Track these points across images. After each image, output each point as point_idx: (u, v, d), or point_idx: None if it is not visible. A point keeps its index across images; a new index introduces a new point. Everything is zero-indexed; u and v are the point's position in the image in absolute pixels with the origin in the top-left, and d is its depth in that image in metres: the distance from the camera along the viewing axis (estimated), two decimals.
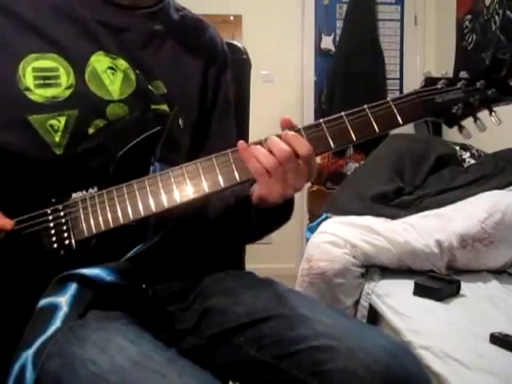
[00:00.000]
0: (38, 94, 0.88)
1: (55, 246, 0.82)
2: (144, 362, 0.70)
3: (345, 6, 3.60)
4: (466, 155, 2.49)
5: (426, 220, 1.99)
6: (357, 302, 1.93)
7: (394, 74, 3.70)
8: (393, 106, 0.82)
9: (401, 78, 3.72)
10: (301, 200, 3.03)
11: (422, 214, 2.03)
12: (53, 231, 0.82)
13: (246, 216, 0.89)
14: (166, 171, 0.83)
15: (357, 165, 2.99)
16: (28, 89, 0.87)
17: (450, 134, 2.98)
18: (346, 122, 0.81)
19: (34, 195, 0.84)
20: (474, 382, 1.23)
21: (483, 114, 0.84)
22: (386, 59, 3.62)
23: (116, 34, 0.95)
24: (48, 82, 0.88)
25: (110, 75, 0.92)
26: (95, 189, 0.84)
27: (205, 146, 1.03)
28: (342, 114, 0.82)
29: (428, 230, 1.92)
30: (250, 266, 1.20)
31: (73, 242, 0.81)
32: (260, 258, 2.26)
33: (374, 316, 1.85)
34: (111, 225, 0.81)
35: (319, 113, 3.60)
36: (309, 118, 3.52)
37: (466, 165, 2.43)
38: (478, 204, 1.95)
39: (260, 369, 0.82)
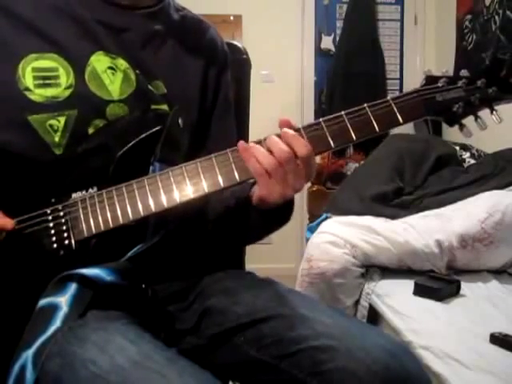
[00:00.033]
0: (38, 94, 0.87)
1: (55, 246, 0.81)
2: (144, 361, 0.70)
3: (345, 6, 3.60)
4: (466, 155, 2.49)
5: (425, 220, 1.99)
6: (357, 302, 1.93)
7: (393, 73, 3.70)
8: (393, 105, 0.82)
9: (401, 78, 3.72)
10: (301, 200, 3.03)
11: (422, 214, 2.03)
12: (52, 231, 0.82)
13: (247, 217, 0.89)
14: (165, 171, 0.83)
15: (357, 165, 2.99)
16: (28, 89, 0.87)
17: (450, 134, 2.98)
18: (346, 121, 0.81)
19: (34, 195, 0.84)
20: (473, 382, 1.23)
21: (484, 113, 0.84)
22: (386, 59, 3.62)
23: (116, 34, 0.95)
24: (48, 81, 0.88)
25: (109, 75, 0.92)
26: (95, 189, 0.84)
27: (205, 146, 1.02)
28: (342, 113, 0.82)
29: (428, 230, 1.92)
30: (250, 265, 1.20)
31: (72, 242, 0.81)
32: (260, 258, 2.26)
33: (374, 316, 1.85)
34: (111, 225, 0.81)
35: (319, 113, 3.60)
36: (309, 118, 3.52)
37: (466, 165, 2.43)
38: (477, 204, 1.95)
39: (260, 369, 0.82)
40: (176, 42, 1.01)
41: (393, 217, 2.07)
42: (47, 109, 0.87)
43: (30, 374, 0.71)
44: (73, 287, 0.78)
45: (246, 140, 0.83)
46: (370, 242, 1.93)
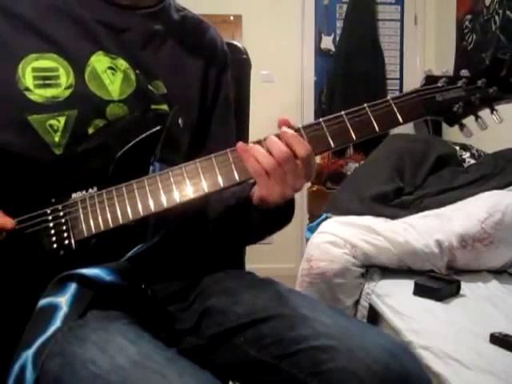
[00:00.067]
0: (38, 94, 0.87)
1: (55, 246, 0.81)
2: (144, 361, 0.70)
3: (345, 6, 3.60)
4: (466, 155, 2.49)
5: (426, 220, 1.99)
6: (357, 302, 1.93)
7: (393, 73, 3.70)
8: (393, 105, 0.82)
9: (401, 78, 3.72)
10: (301, 200, 3.03)
11: (422, 214, 2.03)
12: (52, 231, 0.82)
13: (247, 217, 0.89)
14: (165, 171, 0.83)
15: (357, 165, 2.99)
16: (28, 89, 0.87)
17: (450, 134, 2.98)
18: (346, 121, 0.81)
19: (34, 195, 0.84)
20: (474, 382, 1.23)
21: (484, 113, 0.84)
22: (386, 59, 3.62)
23: (116, 34, 0.95)
24: (48, 82, 0.88)
25: (109, 75, 0.92)
26: (95, 189, 0.84)
27: (205, 146, 1.02)
28: (342, 113, 0.82)
29: (428, 229, 1.92)
30: (250, 265, 1.20)
31: (72, 242, 0.81)
32: (260, 257, 2.26)
33: (374, 316, 1.85)
34: (111, 225, 0.81)
35: (319, 113, 3.60)
36: (309, 118, 3.52)
37: (466, 165, 2.43)
38: (478, 204, 1.95)
39: (260, 369, 0.82)
40: (176, 42, 1.01)
41: (393, 217, 2.07)
42: (47, 109, 0.87)
43: (30, 374, 0.71)
44: (73, 287, 0.78)
45: (246, 140, 0.83)
46: (370, 241, 1.93)
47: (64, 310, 0.76)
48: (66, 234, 0.82)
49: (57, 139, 0.87)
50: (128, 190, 0.82)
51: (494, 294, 1.72)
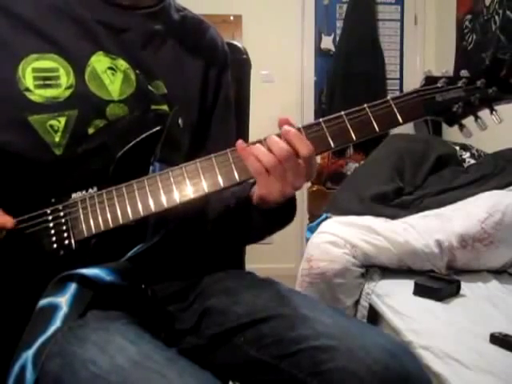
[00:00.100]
0: (38, 95, 0.87)
1: (55, 246, 0.81)
2: (144, 362, 0.70)
3: (345, 6, 3.59)
4: (466, 155, 2.49)
5: (425, 220, 1.99)
6: (357, 302, 1.93)
7: (394, 73, 3.70)
8: (393, 105, 0.82)
9: (401, 78, 3.72)
10: (301, 200, 3.03)
11: (422, 214, 2.03)
12: (52, 231, 0.82)
13: (247, 217, 0.89)
14: (165, 171, 0.83)
15: (357, 165, 2.99)
16: (28, 89, 0.87)
17: (450, 134, 2.98)
18: (346, 122, 0.81)
19: (34, 195, 0.84)
20: (474, 382, 1.23)
21: (484, 113, 0.84)
22: (386, 59, 3.62)
23: (116, 34, 0.95)
24: (48, 82, 0.88)
25: (109, 75, 0.92)
26: (95, 189, 0.84)
27: (205, 146, 1.02)
28: (342, 113, 0.82)
29: (428, 229, 1.92)
30: (250, 265, 1.20)
31: (72, 242, 0.81)
32: (260, 257, 2.26)
33: (374, 316, 1.85)
34: (111, 225, 0.81)
35: (319, 113, 3.60)
36: (309, 118, 3.52)
37: (466, 165, 2.43)
38: (478, 204, 1.95)
39: (260, 369, 0.82)
40: (176, 42, 1.01)
41: (393, 217, 2.07)
42: (47, 109, 0.87)
43: (30, 374, 0.72)
44: (73, 287, 0.78)
45: (246, 140, 0.83)
46: (370, 241, 1.93)
47: (64, 310, 0.76)
48: (66, 234, 0.82)
49: (57, 139, 0.87)
50: (128, 190, 0.82)
51: (493, 294, 1.72)
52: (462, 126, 0.85)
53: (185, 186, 0.81)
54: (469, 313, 1.57)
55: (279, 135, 0.80)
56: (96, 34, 0.93)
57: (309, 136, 0.81)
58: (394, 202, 2.19)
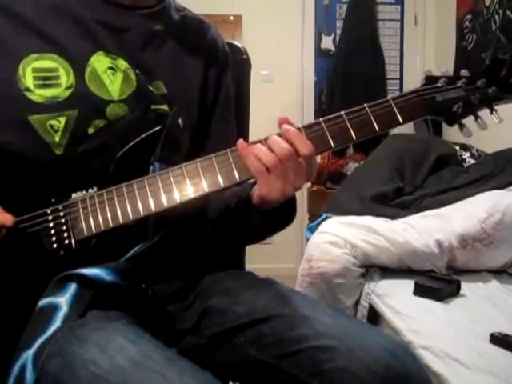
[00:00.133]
0: (38, 95, 0.87)
1: (55, 245, 0.81)
2: (144, 361, 0.70)
3: (345, 6, 3.60)
4: (466, 155, 2.49)
5: (425, 220, 1.99)
6: (357, 302, 1.93)
7: (394, 73, 3.70)
8: (393, 105, 0.82)
9: (401, 78, 3.72)
10: (301, 200, 3.03)
11: (422, 214, 2.03)
12: (52, 231, 0.82)
13: (248, 217, 0.89)
14: (165, 171, 0.83)
15: (357, 165, 2.99)
16: (28, 89, 0.87)
17: (450, 134, 2.98)
18: (346, 121, 0.81)
19: (34, 195, 0.84)
20: (473, 382, 1.23)
21: (484, 113, 0.84)
22: (386, 59, 3.63)
23: (116, 34, 0.95)
24: (48, 82, 0.88)
25: (110, 75, 0.92)
26: (95, 189, 0.84)
27: (205, 146, 1.02)
28: (342, 112, 0.82)
29: (428, 229, 1.92)
30: (250, 265, 1.20)
31: (72, 241, 0.81)
32: (260, 257, 2.26)
33: (374, 316, 1.85)
34: (111, 224, 0.81)
35: (319, 113, 3.60)
36: (309, 118, 3.51)
37: (466, 165, 2.43)
38: (478, 204, 1.95)
39: (260, 369, 0.82)
40: (176, 42, 1.01)
41: (393, 217, 2.07)
42: (47, 109, 0.87)
43: (30, 374, 0.71)
44: (73, 287, 0.78)
45: (247, 140, 0.83)
46: (370, 241, 1.93)
47: (64, 310, 0.76)
48: (66, 234, 0.82)
49: (57, 139, 0.87)
50: (128, 189, 0.82)
51: (494, 294, 1.72)
52: (462, 126, 0.85)
53: (185, 186, 0.81)
54: (469, 313, 1.57)
55: (280, 135, 0.80)
56: (96, 33, 0.93)
57: (309, 136, 0.81)
58: (394, 202, 2.19)
